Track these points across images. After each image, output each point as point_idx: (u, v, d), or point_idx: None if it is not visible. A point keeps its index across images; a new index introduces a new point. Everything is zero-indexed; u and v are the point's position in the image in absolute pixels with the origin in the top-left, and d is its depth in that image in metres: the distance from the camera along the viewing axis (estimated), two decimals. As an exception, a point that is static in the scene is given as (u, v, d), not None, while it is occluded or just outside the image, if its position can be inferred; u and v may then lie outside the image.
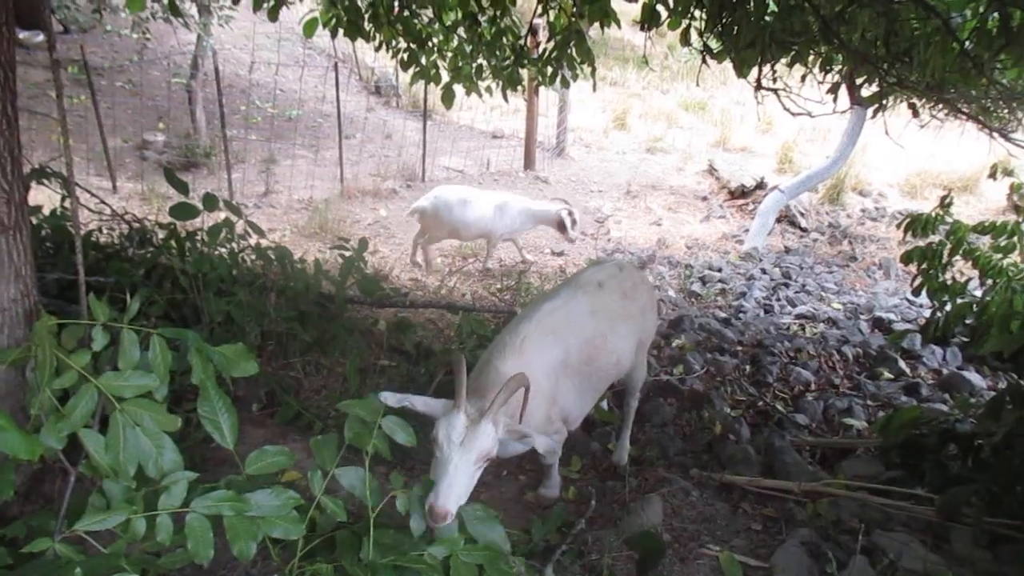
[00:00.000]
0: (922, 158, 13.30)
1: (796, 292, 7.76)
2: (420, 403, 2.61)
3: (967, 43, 4.84)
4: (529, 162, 12.19)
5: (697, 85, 6.33)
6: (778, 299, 7.46)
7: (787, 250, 10.06)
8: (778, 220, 10.84)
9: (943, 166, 13.44)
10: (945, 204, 5.09)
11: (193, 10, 10.27)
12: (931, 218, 5.11)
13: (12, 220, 2.26)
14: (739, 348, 5.43)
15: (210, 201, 3.72)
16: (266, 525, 2.20)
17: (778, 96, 6.22)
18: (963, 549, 2.94)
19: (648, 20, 4.71)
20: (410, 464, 3.44)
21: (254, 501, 2.19)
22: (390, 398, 2.55)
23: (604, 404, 4.09)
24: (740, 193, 12.05)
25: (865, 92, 6.22)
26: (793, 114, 6.39)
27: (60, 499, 2.31)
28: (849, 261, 9.78)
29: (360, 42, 6.64)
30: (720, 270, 8.68)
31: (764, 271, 8.72)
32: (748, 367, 5.01)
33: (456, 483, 2.45)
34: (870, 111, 9.34)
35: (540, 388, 2.88)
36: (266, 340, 3.86)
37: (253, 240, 4.13)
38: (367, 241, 4.30)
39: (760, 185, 11.88)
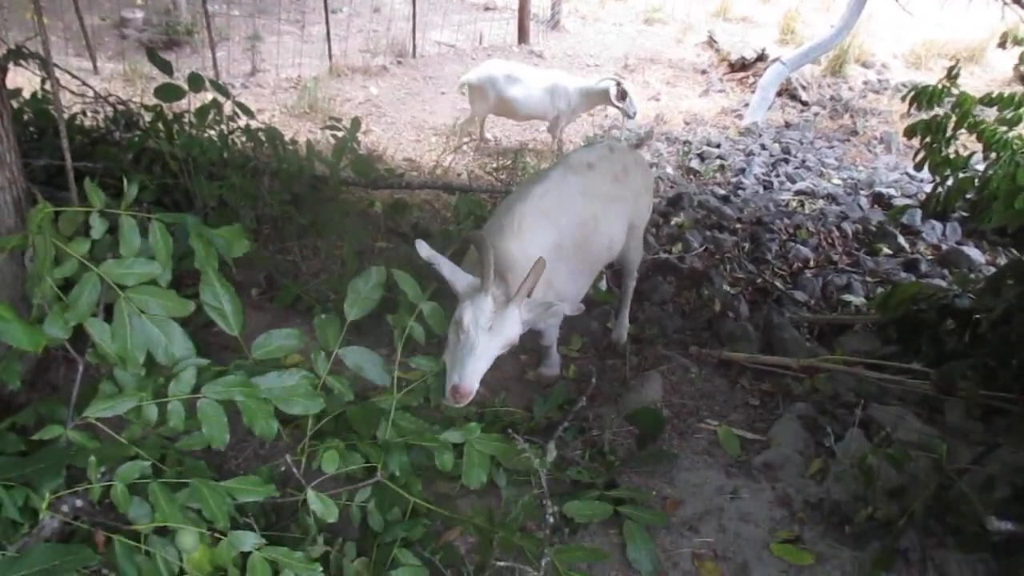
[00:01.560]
0: (929, 27, 12.87)
1: (796, 168, 7.67)
2: (448, 269, 2.61)
3: None
4: (523, 35, 11.80)
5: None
6: (777, 175, 7.38)
7: (787, 125, 9.88)
8: (779, 94, 10.59)
9: (950, 35, 13.03)
10: (952, 75, 4.95)
11: None
12: (937, 90, 4.97)
13: (-8, 104, 2.18)
14: (738, 225, 5.41)
15: (196, 81, 3.60)
16: (283, 403, 2.22)
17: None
18: (956, 420, 3.01)
19: None
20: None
21: (264, 385, 2.21)
22: (424, 249, 2.55)
23: (603, 284, 4.10)
24: (740, 66, 11.73)
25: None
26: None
27: (67, 386, 2.33)
28: (850, 135, 9.62)
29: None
30: (719, 146, 8.55)
31: (764, 147, 8.59)
32: (747, 244, 5.00)
33: (480, 365, 2.48)
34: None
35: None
36: (261, 224, 3.82)
37: (242, 122, 4.02)
38: (359, 120, 4.19)
39: (761, 57, 11.55)
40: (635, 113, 8.00)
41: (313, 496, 2.17)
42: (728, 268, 4.61)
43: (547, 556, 2.15)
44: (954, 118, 4.95)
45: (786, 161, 7.95)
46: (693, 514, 2.67)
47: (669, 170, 7.63)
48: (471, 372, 2.46)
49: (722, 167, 7.72)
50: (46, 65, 2.74)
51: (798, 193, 6.66)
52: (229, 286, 2.34)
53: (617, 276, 4.00)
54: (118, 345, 2.08)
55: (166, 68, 3.54)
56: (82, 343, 2.14)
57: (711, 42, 12.56)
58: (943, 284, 4.09)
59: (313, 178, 4.21)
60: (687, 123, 9.87)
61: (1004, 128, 5.37)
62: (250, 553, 1.91)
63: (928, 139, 4.96)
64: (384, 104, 9.43)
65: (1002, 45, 5.71)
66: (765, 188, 6.91)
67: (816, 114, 10.52)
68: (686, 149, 8.26)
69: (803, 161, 7.97)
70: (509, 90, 7.53)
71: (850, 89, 11.45)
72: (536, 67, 9.02)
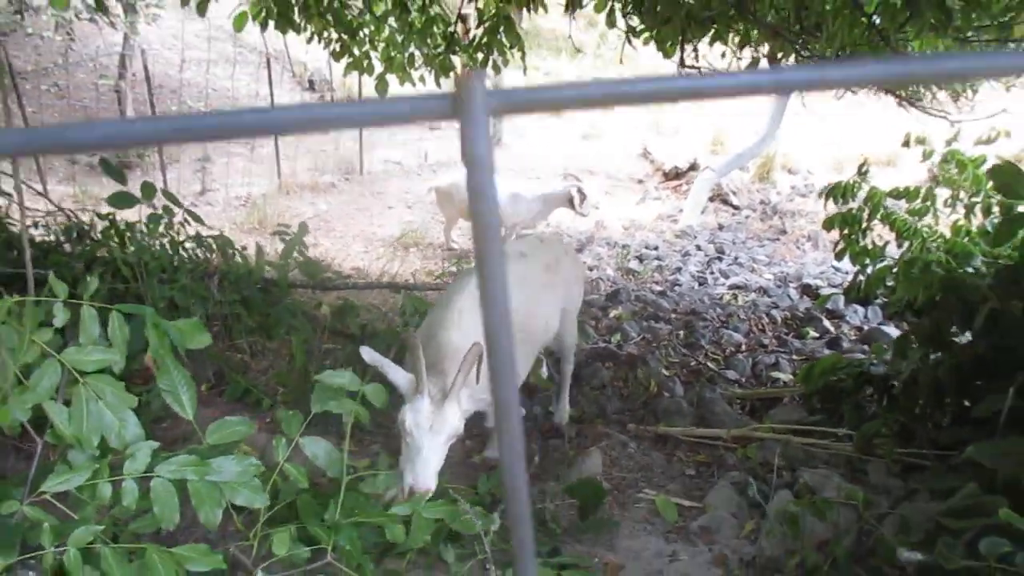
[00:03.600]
0: (848, 136, 13.80)
1: (729, 265, 8.07)
2: (391, 370, 2.74)
3: (874, 16, 5.15)
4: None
5: (621, 63, 6.50)
6: (712, 272, 7.74)
7: (720, 227, 10.39)
8: (711, 199, 11.18)
9: (868, 143, 13.96)
10: (862, 172, 5.39)
11: (118, 9, 10.15)
12: (849, 185, 5.39)
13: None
14: (673, 315, 5.67)
15: (148, 190, 3.78)
16: (229, 491, 2.31)
17: (700, 74, 6.48)
18: (878, 479, 3.19)
19: (572, 2, 4.91)
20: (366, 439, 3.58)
21: (216, 466, 2.30)
22: (367, 353, 2.69)
23: (544, 372, 4.27)
24: (674, 175, 12.37)
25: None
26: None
27: (16, 475, 2.39)
28: (779, 235, 10.14)
29: (292, 39, 6.70)
30: (656, 248, 8.95)
31: (699, 247, 9.02)
32: (682, 332, 5.25)
33: (431, 463, 2.60)
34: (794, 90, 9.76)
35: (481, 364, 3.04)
36: (211, 322, 3.94)
37: (192, 231, 4.21)
38: (306, 225, 4.40)
39: (693, 166, 12.21)
40: (587, 214, 8.44)
41: None
42: (664, 353, 4.84)
43: (492, 615, 2.24)
44: (867, 210, 5.38)
45: (720, 259, 8.36)
46: (634, 571, 2.77)
47: (609, 271, 7.95)
48: (422, 471, 2.58)
49: (659, 267, 8.07)
50: (14, 178, 2.91)
51: (731, 287, 6.99)
52: (185, 373, 2.46)
53: (556, 363, 4.19)
54: (75, 427, 2.17)
55: (119, 176, 3.72)
56: (39, 429, 2.23)
57: (646, 154, 13.25)
58: (861, 356, 4.36)
59: (262, 280, 4.37)
60: (625, 228, 10.31)
61: (914, 218, 5.83)
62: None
63: (846, 231, 5.35)
64: (333, 219, 9.70)
65: (906, 145, 6.24)
66: (700, 284, 7.24)
67: (747, 216, 11.08)
68: (625, 252, 8.62)
69: (736, 258, 8.38)
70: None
71: (778, 193, 12.12)
72: (500, 177, 9.42)
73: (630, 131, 14.68)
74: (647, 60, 15.90)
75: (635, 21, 5.83)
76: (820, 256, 9.06)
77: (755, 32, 5.79)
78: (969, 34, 5.47)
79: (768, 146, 10.76)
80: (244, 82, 13.43)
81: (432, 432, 2.60)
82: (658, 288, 6.89)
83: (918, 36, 5.14)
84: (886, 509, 2.66)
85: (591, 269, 7.88)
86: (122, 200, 3.69)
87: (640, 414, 3.97)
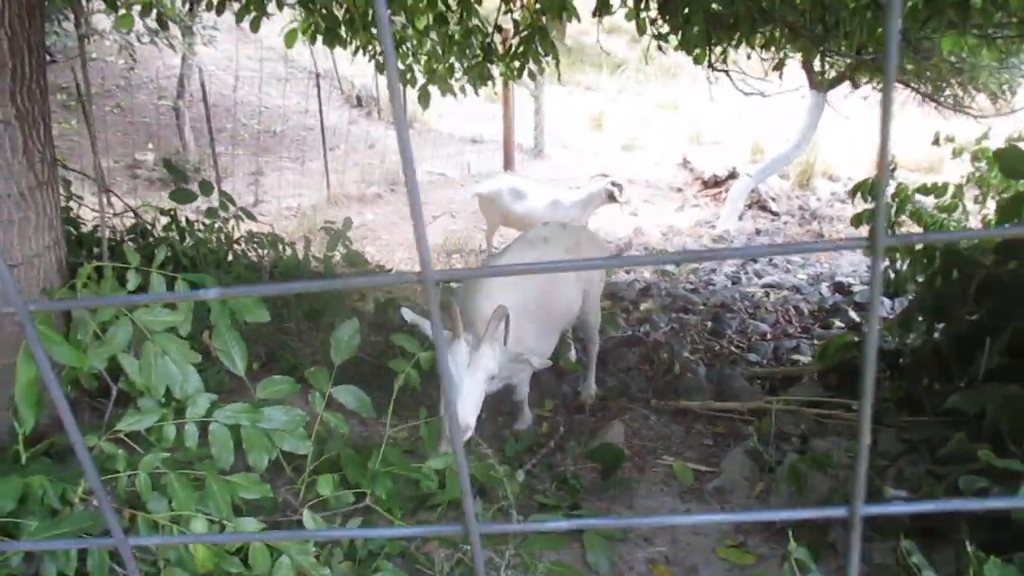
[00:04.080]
0: (891, 143, 13.76)
1: (763, 266, 8.20)
2: (427, 326, 3.02)
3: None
4: (509, 163, 12.63)
5: (646, 63, 6.74)
6: (746, 272, 7.89)
7: (758, 232, 10.50)
8: (749, 206, 11.30)
9: (910, 149, 13.93)
10: (890, 169, 5.54)
11: (177, 32, 10.71)
12: (875, 181, 5.54)
13: (46, 176, 2.69)
14: (702, 308, 5.86)
15: (206, 186, 4.14)
16: (277, 438, 2.60)
17: (729, 76, 6.70)
18: (886, 446, 3.34)
19: (600, 8, 5.17)
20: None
21: (266, 415, 2.59)
22: (408, 314, 2.99)
23: (572, 355, 4.50)
24: (713, 183, 12.50)
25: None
26: (745, 94, 6.86)
27: (92, 424, 2.72)
28: (817, 238, 10.21)
29: (340, 58, 7.08)
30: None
31: (735, 251, 9.15)
32: (710, 323, 5.43)
33: (470, 400, 2.87)
34: (832, 94, 9.87)
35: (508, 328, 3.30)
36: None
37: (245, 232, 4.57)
38: (351, 221, 4.72)
39: (732, 175, 12.32)
40: (631, 203, 8.57)
41: (308, 515, 2.52)
42: (689, 340, 5.03)
43: (510, 548, 2.48)
44: (895, 207, 5.53)
45: (755, 261, 8.48)
46: (649, 530, 2.98)
47: (646, 274, 8.14)
48: (462, 408, 2.85)
49: (695, 269, 8.24)
50: (98, 183, 3.32)
51: (764, 286, 7.14)
52: (238, 335, 2.76)
53: (584, 347, 4.42)
54: (144, 378, 2.48)
55: (179, 175, 4.09)
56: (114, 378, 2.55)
57: (685, 163, 13.41)
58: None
59: (310, 273, 4.69)
60: (664, 234, 10.49)
61: (943, 215, 5.96)
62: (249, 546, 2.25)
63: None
64: (378, 228, 10.08)
65: (935, 143, 6.39)
66: (733, 283, 7.40)
67: (786, 222, 11.17)
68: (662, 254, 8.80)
69: (771, 260, 8.50)
70: (513, 204, 8.15)
71: (818, 200, 12.17)
72: (541, 184, 9.60)
73: (671, 142, 14.86)
74: (688, 76, 16.07)
75: (665, 29, 6.07)
76: (856, 258, 9.12)
77: (779, 34, 5.98)
78: (991, 31, 5.59)
79: (802, 151, 10.84)
80: (295, 100, 13.96)
81: (471, 369, 2.86)
82: (691, 285, 7.07)
83: (936, 32, 5.28)
84: (885, 464, 2.83)
85: (627, 272, 8.09)
86: (183, 196, 4.05)
87: (662, 391, 4.17)
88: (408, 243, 9.63)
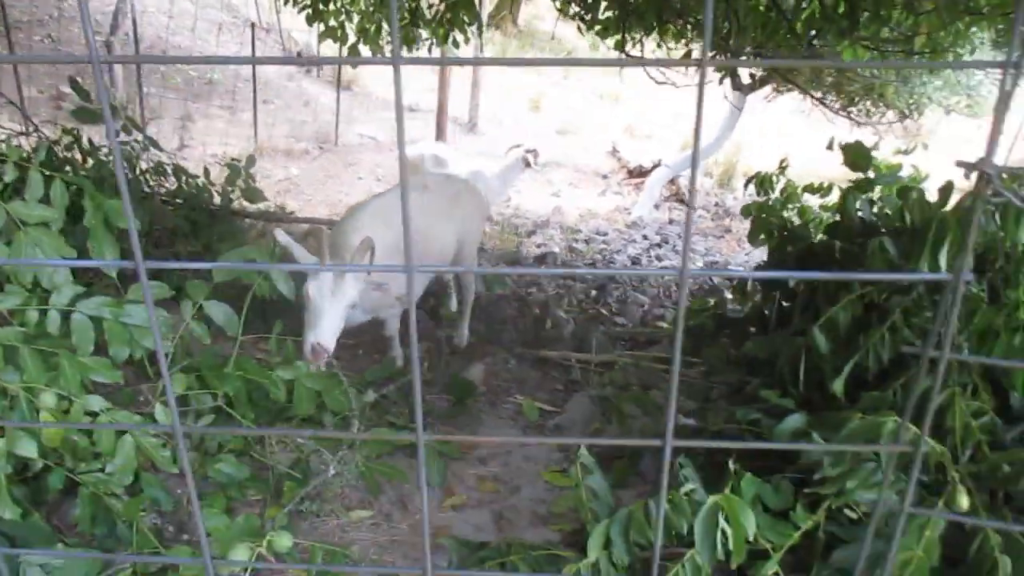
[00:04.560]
0: (810, 154, 14.38)
1: (666, 251, 8.59)
2: (297, 249, 3.21)
3: (789, 16, 5.69)
4: (440, 134, 12.79)
5: (552, 36, 7.03)
6: (648, 256, 8.26)
7: (670, 221, 10.91)
8: (668, 199, 11.72)
9: (829, 161, 14.55)
10: (782, 166, 5.93)
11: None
12: (768, 177, 5.93)
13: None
14: (590, 278, 6.18)
15: (112, 109, 4.25)
16: (139, 335, 2.79)
17: (643, 66, 7.03)
18: (698, 390, 3.70)
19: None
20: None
21: (129, 310, 2.78)
22: (281, 235, 3.18)
23: (452, 305, 4.75)
24: (638, 173, 12.88)
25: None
26: (657, 82, 7.20)
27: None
28: (725, 233, 10.67)
29: (285, 13, 7.15)
30: (606, 234, 9.46)
31: (645, 237, 9.53)
32: (594, 292, 5.75)
33: (332, 325, 3.08)
34: (752, 98, 10.29)
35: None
36: (153, 230, 4.39)
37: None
38: (254, 157, 4.88)
39: (657, 166, 12.74)
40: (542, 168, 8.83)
41: (160, 409, 2.72)
42: (567, 302, 5.33)
43: (346, 448, 2.72)
44: (781, 201, 5.91)
45: (660, 247, 8.87)
46: (486, 453, 3.26)
47: (556, 250, 8.45)
48: (324, 331, 3.06)
49: (603, 250, 8.58)
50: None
51: (661, 268, 7.51)
52: (111, 236, 2.93)
53: (459, 292, 4.67)
54: (12, 265, 2.65)
55: (84, 95, 4.18)
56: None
57: (614, 152, 13.78)
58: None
59: (211, 206, 4.84)
60: (582, 216, 10.82)
61: (826, 213, 6.37)
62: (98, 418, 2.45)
63: (763, 215, 5.89)
64: (303, 183, 10.16)
65: (829, 148, 6.78)
66: (633, 263, 7.75)
67: (700, 216, 11.62)
68: (574, 235, 9.13)
69: (674, 247, 8.90)
70: (435, 171, 8.34)
71: (735, 198, 12.67)
72: (466, 155, 9.75)
73: (605, 131, 15.22)
74: (630, 74, 16.39)
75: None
76: (758, 253, 9.59)
77: (688, 28, 6.33)
78: (880, 46, 6.01)
79: (718, 149, 11.29)
80: (233, 49, 13.88)
81: (333, 297, 3.08)
82: (589, 261, 7.40)
83: (824, 38, 5.66)
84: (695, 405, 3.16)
85: (538, 247, 8.38)
86: (85, 114, 4.15)
87: (528, 342, 4.46)
88: (330, 201, 9.74)
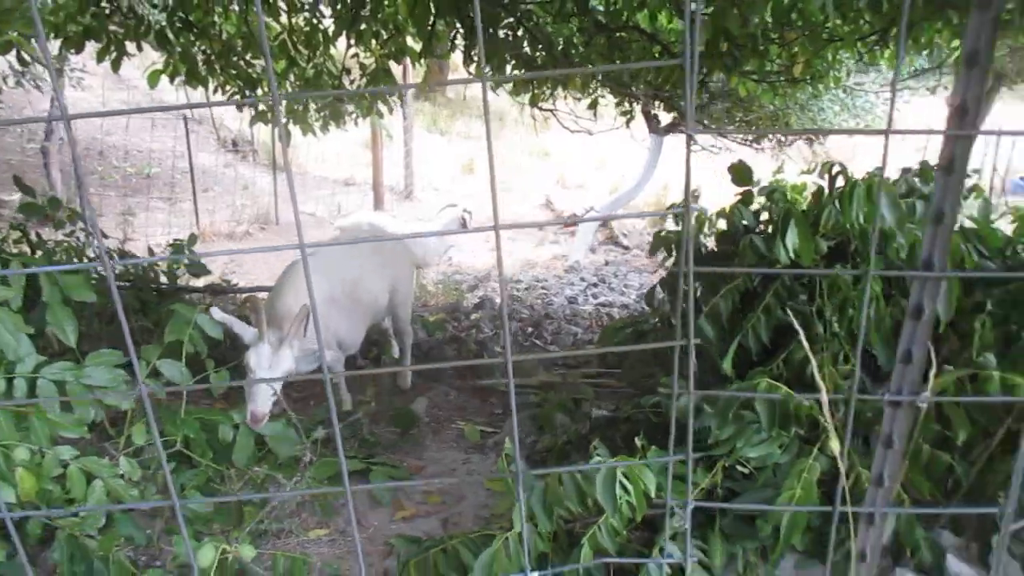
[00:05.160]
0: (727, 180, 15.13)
1: (602, 289, 9.02)
2: (237, 325, 3.50)
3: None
4: (378, 204, 13.21)
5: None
6: (585, 296, 8.68)
7: (606, 263, 11.40)
8: (603, 242, 12.25)
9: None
10: (695, 195, 6.41)
11: (46, 76, 10.90)
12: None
13: None
14: (526, 316, 6.55)
15: (54, 203, 4.54)
16: (101, 394, 3.06)
17: (555, 116, 7.54)
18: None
19: (424, 52, 5.86)
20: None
21: (89, 372, 3.04)
22: (217, 313, 3.46)
23: (395, 352, 5.06)
24: (573, 222, 13.43)
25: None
26: (572, 131, 7.72)
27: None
28: (660, 268, 11.18)
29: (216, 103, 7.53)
30: (545, 280, 9.88)
31: (583, 279, 9.97)
32: (530, 329, 6.11)
33: (267, 395, 3.36)
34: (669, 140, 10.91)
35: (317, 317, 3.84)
36: (108, 316, 4.64)
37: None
38: (195, 235, 5.18)
39: (589, 211, 13.30)
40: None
41: (124, 460, 2.98)
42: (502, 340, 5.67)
43: (299, 476, 3.00)
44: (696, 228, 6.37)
45: (596, 286, 9.31)
46: (432, 473, 3.55)
47: (494, 296, 8.82)
48: (260, 402, 3.34)
49: (542, 295, 8.98)
50: None
51: (598, 305, 7.92)
52: (70, 311, 3.21)
53: (398, 338, 4.97)
54: (-24, 342, 2.91)
55: (29, 191, 4.47)
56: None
57: (548, 203, 14.34)
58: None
59: (158, 285, 5.11)
60: (521, 267, 11.25)
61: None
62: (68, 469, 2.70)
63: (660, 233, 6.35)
64: (246, 262, 10.43)
65: (731, 172, 7.38)
66: (571, 303, 8.16)
67: (635, 255, 12.15)
68: (515, 285, 9.53)
69: (609, 285, 9.35)
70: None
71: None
72: (402, 220, 10.10)
73: (538, 185, 15.81)
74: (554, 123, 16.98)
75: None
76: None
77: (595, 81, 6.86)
78: (765, 78, 6.61)
79: (642, 189, 11.86)
80: (169, 143, 14.20)
81: (270, 370, 3.37)
82: (528, 304, 7.79)
83: (711, 73, 6.20)
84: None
85: (480, 300, 8.75)
86: (31, 209, 4.43)
87: (466, 375, 4.78)
88: (274, 276, 10.00)
